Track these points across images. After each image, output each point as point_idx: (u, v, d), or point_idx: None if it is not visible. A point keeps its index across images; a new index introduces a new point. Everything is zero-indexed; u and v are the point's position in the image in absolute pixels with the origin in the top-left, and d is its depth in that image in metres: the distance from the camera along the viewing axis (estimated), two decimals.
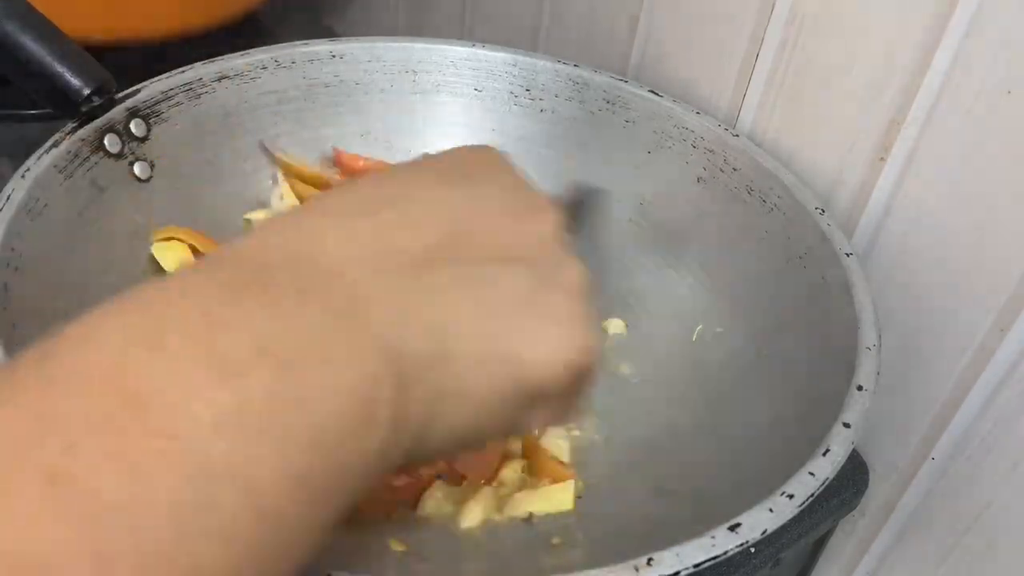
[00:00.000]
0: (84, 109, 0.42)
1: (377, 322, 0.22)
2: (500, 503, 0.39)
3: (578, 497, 0.40)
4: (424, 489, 0.39)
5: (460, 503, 0.39)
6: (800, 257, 0.44)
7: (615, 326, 0.50)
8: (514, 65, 0.55)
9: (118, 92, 0.44)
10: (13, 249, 0.36)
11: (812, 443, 0.33)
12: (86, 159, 0.42)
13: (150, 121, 0.46)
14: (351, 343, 0.21)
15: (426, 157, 0.29)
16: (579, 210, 0.44)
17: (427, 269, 0.24)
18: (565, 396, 0.27)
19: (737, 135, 0.50)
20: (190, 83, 0.48)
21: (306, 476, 0.19)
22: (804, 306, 0.43)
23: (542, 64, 0.55)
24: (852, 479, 0.47)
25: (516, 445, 0.41)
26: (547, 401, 0.26)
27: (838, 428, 0.34)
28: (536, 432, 0.39)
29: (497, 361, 0.24)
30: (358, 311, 0.22)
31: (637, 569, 0.28)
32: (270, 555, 0.18)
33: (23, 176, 0.38)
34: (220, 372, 0.18)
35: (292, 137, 0.53)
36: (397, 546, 0.36)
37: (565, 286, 0.26)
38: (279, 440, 0.18)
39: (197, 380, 0.18)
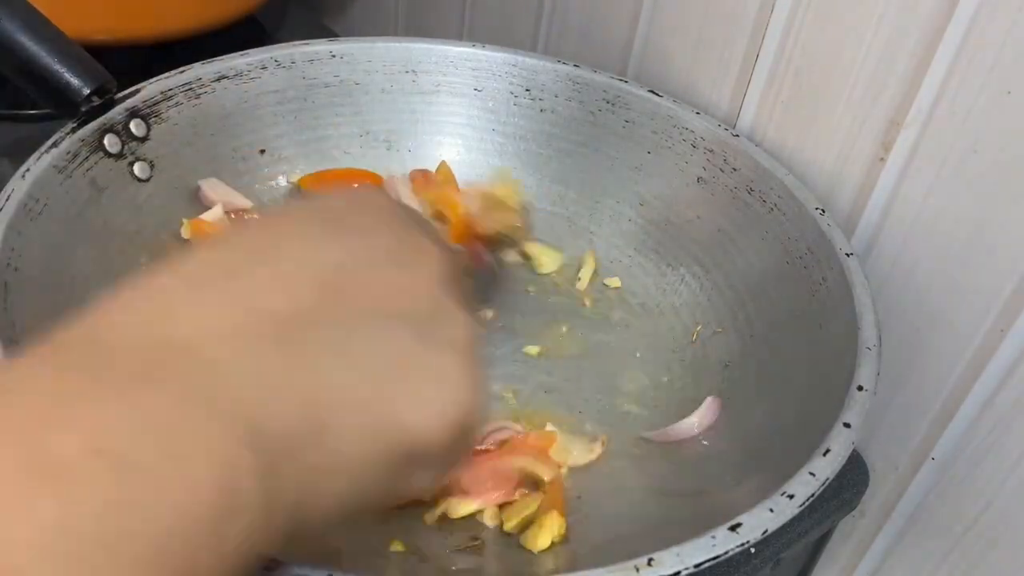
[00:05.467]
0: (84, 109, 0.42)
1: (237, 403, 0.20)
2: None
3: (578, 497, 0.40)
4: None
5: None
6: (800, 257, 0.44)
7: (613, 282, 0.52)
8: (514, 65, 0.55)
9: (118, 92, 0.44)
10: (13, 249, 0.36)
11: (812, 443, 0.33)
12: (86, 159, 0.42)
13: (150, 121, 0.46)
14: (205, 432, 0.19)
15: (306, 204, 0.28)
16: (487, 280, 0.46)
17: (297, 335, 0.22)
18: (449, 454, 0.25)
19: (737, 135, 0.50)
20: (190, 83, 0.48)
21: None
22: (804, 306, 0.43)
23: (542, 64, 0.55)
24: (852, 479, 0.47)
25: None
26: (431, 462, 0.25)
27: (838, 428, 0.34)
28: (423, 493, 0.36)
29: (376, 430, 0.23)
30: (215, 393, 0.19)
31: (637, 569, 0.28)
32: None
33: (23, 176, 0.38)
34: (44, 479, 0.16)
35: (292, 137, 0.53)
36: (397, 546, 0.36)
37: (448, 341, 0.25)
38: (113, 556, 0.16)
39: (17, 491, 0.16)
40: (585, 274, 0.52)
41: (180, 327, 0.20)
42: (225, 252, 0.24)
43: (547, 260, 0.53)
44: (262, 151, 0.52)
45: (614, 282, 0.52)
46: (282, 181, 0.53)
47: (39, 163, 0.39)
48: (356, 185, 0.25)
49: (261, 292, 0.22)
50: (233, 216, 0.49)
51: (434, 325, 0.25)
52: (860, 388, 0.35)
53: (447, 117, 0.56)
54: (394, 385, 0.23)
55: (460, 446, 0.26)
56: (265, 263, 0.23)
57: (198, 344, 0.20)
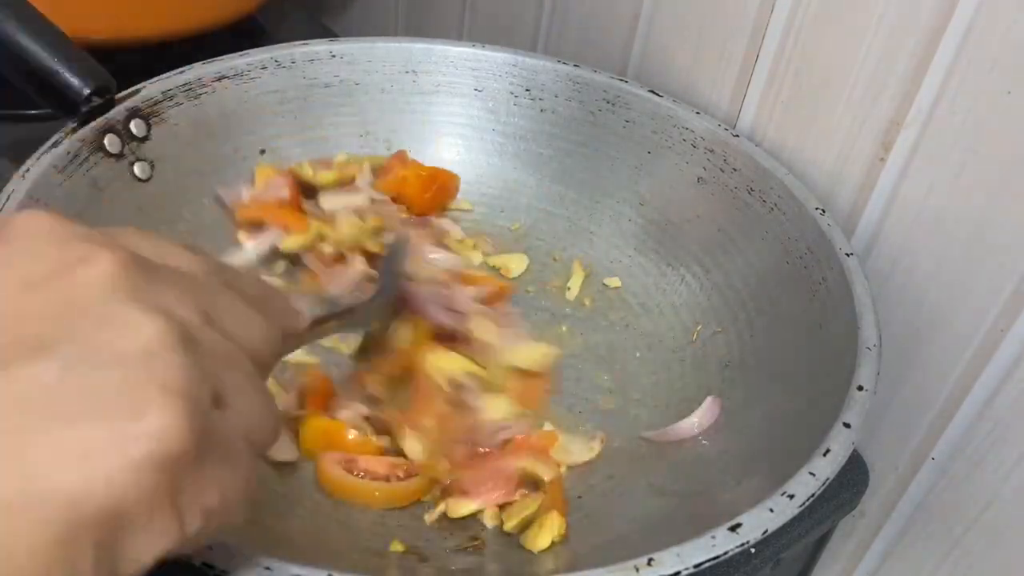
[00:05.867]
0: (84, 109, 0.42)
1: None
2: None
3: (578, 497, 0.40)
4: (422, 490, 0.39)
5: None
6: (800, 257, 0.44)
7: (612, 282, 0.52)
8: (514, 65, 0.55)
9: (118, 92, 0.44)
10: None
11: (812, 443, 0.33)
12: (86, 159, 0.42)
13: (150, 121, 0.46)
14: None
15: None
16: (387, 265, 0.44)
17: None
18: (186, 499, 0.20)
19: (737, 135, 0.50)
20: (190, 83, 0.48)
21: None
22: (804, 306, 0.43)
23: (542, 64, 0.55)
24: (852, 479, 0.47)
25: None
26: (143, 520, 0.19)
27: (838, 428, 0.34)
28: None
29: (15, 506, 0.17)
30: None
31: (637, 569, 0.28)
32: None
33: (23, 176, 0.38)
34: None
35: (292, 137, 0.53)
36: (397, 546, 0.36)
37: (114, 355, 0.19)
38: None
39: None
40: (575, 283, 0.52)
41: None
42: None
43: (514, 265, 0.53)
44: (262, 151, 0.52)
45: (614, 282, 0.52)
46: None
47: (39, 163, 0.39)
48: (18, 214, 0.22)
49: None
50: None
51: (86, 338, 0.19)
52: (860, 388, 0.35)
53: (447, 117, 0.56)
54: (26, 441, 0.17)
55: (196, 482, 0.20)
56: None
57: None
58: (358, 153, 0.55)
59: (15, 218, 0.22)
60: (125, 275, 0.20)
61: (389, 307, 0.44)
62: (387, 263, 0.45)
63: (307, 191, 0.52)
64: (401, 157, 0.54)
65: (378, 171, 0.54)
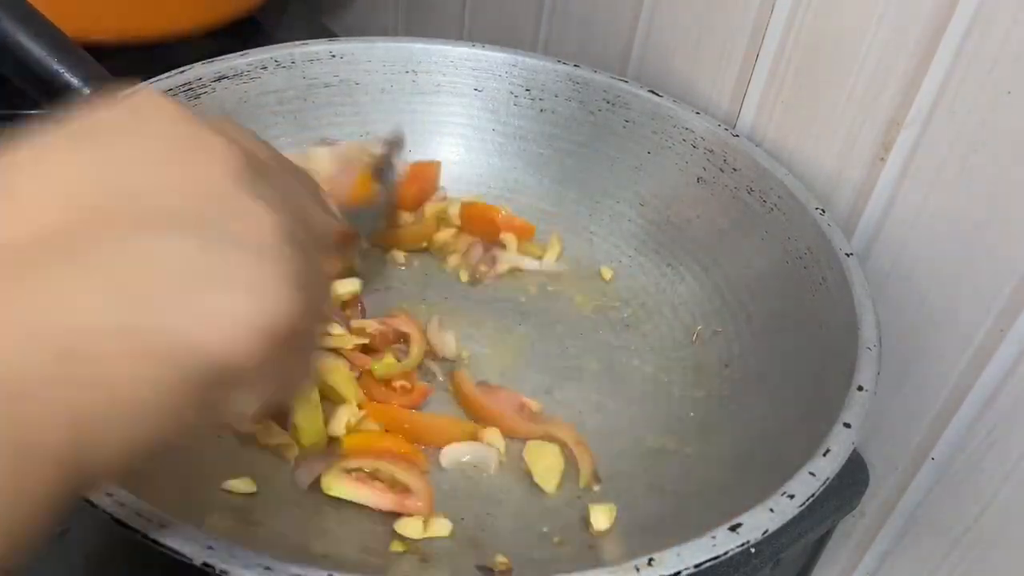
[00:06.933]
0: None
1: None
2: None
3: (577, 498, 0.40)
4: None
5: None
6: (800, 257, 0.44)
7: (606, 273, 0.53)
8: (514, 65, 0.55)
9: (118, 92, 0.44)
10: None
11: (812, 443, 0.33)
12: None
13: None
14: None
15: (60, 121, 0.23)
16: (386, 160, 0.46)
17: (33, 263, 0.19)
18: (274, 370, 0.22)
19: (737, 135, 0.50)
20: (190, 83, 0.48)
21: None
22: (804, 306, 0.43)
23: (542, 64, 0.55)
24: (852, 479, 0.47)
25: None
26: (247, 380, 0.22)
27: (838, 428, 0.34)
28: (250, 418, 0.29)
29: (151, 356, 0.20)
30: None
31: (638, 569, 0.28)
32: None
33: None
34: None
35: (292, 137, 0.53)
36: (397, 546, 0.36)
37: (244, 240, 0.21)
38: None
39: None
40: (551, 254, 0.53)
41: None
42: None
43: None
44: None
45: (607, 273, 0.53)
46: None
47: None
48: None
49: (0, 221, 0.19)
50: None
51: (223, 225, 0.21)
52: (860, 388, 0.35)
53: (447, 117, 0.56)
54: (172, 300, 0.20)
55: (285, 358, 0.23)
56: (9, 192, 0.20)
57: None
58: None
59: (138, 94, 0.24)
60: (244, 170, 0.23)
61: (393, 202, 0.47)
62: (387, 159, 0.47)
63: None
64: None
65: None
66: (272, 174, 0.24)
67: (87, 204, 0.20)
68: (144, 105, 0.23)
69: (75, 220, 0.20)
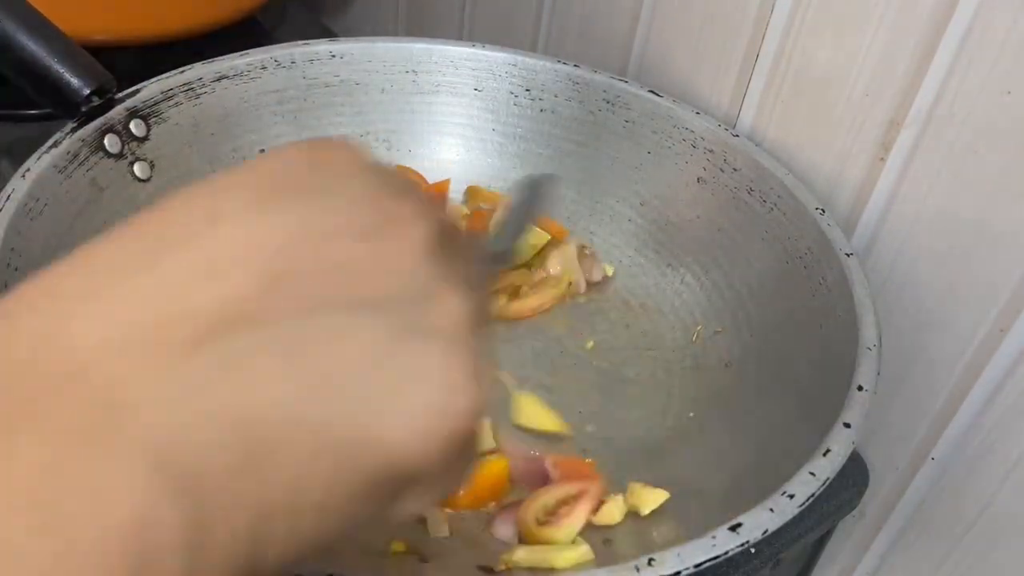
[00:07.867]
0: (84, 109, 0.42)
1: (147, 431, 0.16)
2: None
3: None
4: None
5: None
6: (800, 257, 0.44)
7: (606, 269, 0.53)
8: (514, 65, 0.55)
9: (118, 92, 0.44)
10: (13, 249, 0.36)
11: (812, 443, 0.33)
12: (86, 159, 0.42)
13: (150, 121, 0.46)
14: (101, 475, 0.15)
15: (249, 166, 0.22)
16: (527, 207, 0.36)
17: (225, 339, 0.17)
18: (447, 471, 0.21)
19: (737, 135, 0.50)
20: (190, 83, 0.48)
21: None
22: (804, 306, 0.43)
23: (542, 64, 0.55)
24: (852, 479, 0.47)
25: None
26: (423, 483, 0.20)
27: (838, 428, 0.34)
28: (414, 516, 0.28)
29: (339, 451, 0.18)
30: (119, 422, 0.15)
31: (638, 569, 0.28)
32: None
33: (23, 176, 0.38)
34: None
35: (292, 137, 0.53)
36: (397, 546, 0.36)
37: (435, 329, 0.20)
38: None
39: None
40: (539, 241, 0.53)
41: (74, 336, 0.16)
42: (137, 236, 0.19)
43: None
44: (262, 151, 0.52)
45: (608, 269, 0.53)
46: None
47: (39, 163, 0.39)
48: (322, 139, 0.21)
49: (178, 286, 0.17)
50: None
51: (414, 310, 0.20)
52: (860, 388, 0.35)
53: (447, 117, 0.56)
54: (360, 392, 0.18)
55: (459, 461, 0.21)
56: (186, 247, 0.18)
57: (94, 359, 0.16)
58: None
59: (334, 150, 0.22)
60: (434, 247, 0.21)
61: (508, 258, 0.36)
62: (519, 206, 0.37)
63: None
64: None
65: None
66: (456, 254, 0.22)
67: (281, 271, 0.18)
68: (337, 158, 0.22)
69: (266, 290, 0.18)
